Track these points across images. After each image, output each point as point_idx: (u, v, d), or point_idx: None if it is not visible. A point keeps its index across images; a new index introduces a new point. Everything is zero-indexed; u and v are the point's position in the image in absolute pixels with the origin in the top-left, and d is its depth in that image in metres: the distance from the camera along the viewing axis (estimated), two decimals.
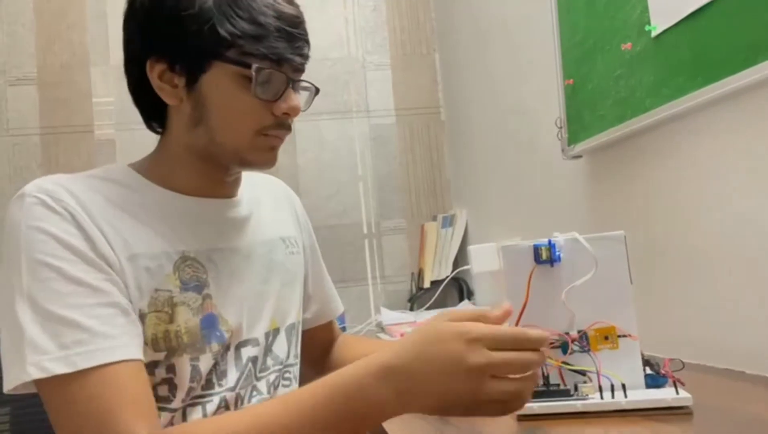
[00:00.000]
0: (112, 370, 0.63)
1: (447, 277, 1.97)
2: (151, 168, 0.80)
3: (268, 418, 0.60)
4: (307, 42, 0.79)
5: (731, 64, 0.80)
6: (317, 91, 0.85)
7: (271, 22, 0.74)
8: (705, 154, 0.92)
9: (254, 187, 0.92)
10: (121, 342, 0.65)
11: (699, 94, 0.86)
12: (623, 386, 0.66)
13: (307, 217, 1.04)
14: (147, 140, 0.84)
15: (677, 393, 0.65)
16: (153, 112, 0.81)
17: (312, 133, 2.15)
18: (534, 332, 0.57)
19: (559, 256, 0.72)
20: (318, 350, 1.05)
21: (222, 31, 0.72)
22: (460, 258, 2.02)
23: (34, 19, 2.03)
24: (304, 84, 0.82)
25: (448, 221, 2.09)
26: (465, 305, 1.92)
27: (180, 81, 0.76)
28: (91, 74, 2.03)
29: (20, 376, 0.62)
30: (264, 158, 0.79)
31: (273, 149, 0.80)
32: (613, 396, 0.66)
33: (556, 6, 1.24)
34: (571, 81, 1.20)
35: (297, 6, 0.79)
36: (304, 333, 0.99)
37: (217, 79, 0.75)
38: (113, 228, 0.71)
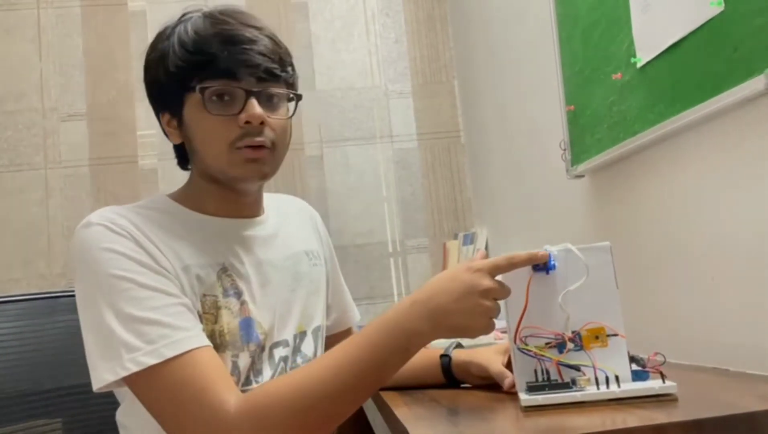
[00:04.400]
0: (194, 355, 0.75)
1: None
2: (184, 196, 0.93)
3: (337, 361, 0.75)
4: (264, 54, 0.85)
5: (702, 93, 0.89)
6: (297, 97, 0.91)
7: (216, 46, 0.83)
8: (684, 172, 1.00)
9: (280, 208, 1.04)
10: (195, 333, 0.78)
11: (677, 119, 0.95)
12: (617, 377, 0.72)
13: (327, 233, 1.14)
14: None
15: (663, 382, 0.72)
16: (180, 154, 0.94)
17: (339, 158, 2.26)
18: (522, 254, 0.75)
19: (554, 265, 0.78)
20: None
21: (172, 68, 0.84)
22: None
23: (83, 60, 2.21)
24: (275, 92, 0.87)
25: (469, 239, 2.17)
26: None
27: (174, 122, 0.89)
28: (135, 109, 2.20)
29: (118, 372, 0.74)
30: (246, 171, 0.86)
31: (252, 162, 0.86)
32: (608, 387, 0.72)
33: (558, 38, 1.34)
34: (572, 107, 1.29)
35: (258, 27, 0.87)
36: (326, 339, 1.09)
37: (190, 110, 0.86)
38: (166, 245, 0.84)
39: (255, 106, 0.84)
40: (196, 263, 0.86)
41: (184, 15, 0.89)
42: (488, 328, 0.75)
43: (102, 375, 0.76)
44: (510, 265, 0.74)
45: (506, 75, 1.86)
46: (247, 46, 0.84)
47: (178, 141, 0.90)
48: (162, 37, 0.89)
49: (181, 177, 0.96)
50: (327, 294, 1.09)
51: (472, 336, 0.76)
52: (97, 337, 0.78)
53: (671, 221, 1.05)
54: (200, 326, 0.81)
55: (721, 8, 0.85)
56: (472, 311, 0.73)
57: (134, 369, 0.74)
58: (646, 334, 1.09)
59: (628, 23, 1.06)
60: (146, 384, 0.75)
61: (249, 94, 0.84)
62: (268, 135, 0.86)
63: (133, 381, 0.75)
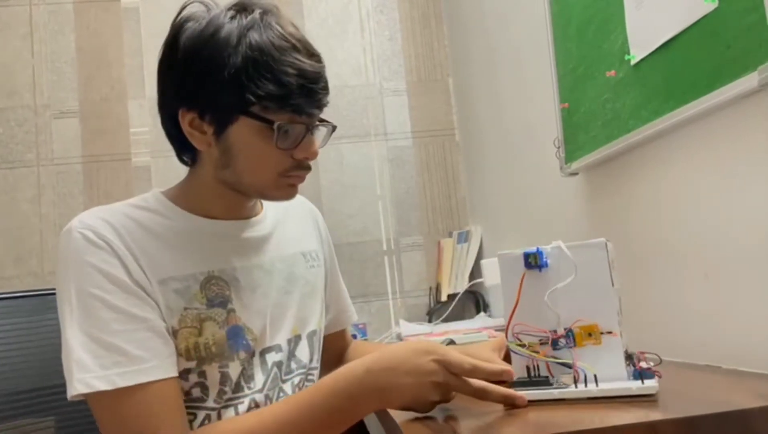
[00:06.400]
0: (145, 388, 0.75)
1: (463, 290, 2.05)
2: (180, 196, 0.90)
3: (280, 415, 0.75)
4: (327, 92, 0.85)
5: (696, 90, 0.89)
6: (334, 128, 0.91)
7: (293, 81, 0.80)
8: (678, 169, 1.00)
9: (278, 206, 1.01)
10: (153, 364, 0.77)
11: (671, 116, 0.95)
12: (595, 376, 0.73)
13: (327, 232, 1.13)
14: (179, 166, 0.94)
15: (642, 382, 0.71)
16: (185, 149, 0.90)
17: (333, 156, 2.26)
18: (487, 368, 0.74)
19: (546, 262, 0.78)
20: (333, 355, 1.14)
21: (248, 94, 0.79)
22: (476, 272, 2.10)
23: (76, 57, 2.19)
24: (323, 124, 0.88)
25: (464, 237, 2.17)
26: (481, 318, 2.00)
27: (209, 129, 0.84)
28: (128, 106, 2.18)
29: (69, 390, 0.75)
30: (284, 194, 0.88)
31: (293, 187, 0.88)
32: (586, 386, 0.73)
33: (552, 35, 1.34)
34: (566, 105, 1.29)
35: (318, 57, 0.85)
36: (325, 338, 1.08)
37: (243, 130, 0.82)
38: (146, 255, 0.82)
39: (314, 144, 0.86)
40: (177, 276, 0.84)
41: (239, 12, 0.83)
42: (428, 410, 0.76)
43: (68, 387, 0.77)
44: (462, 371, 0.73)
45: (501, 73, 1.86)
46: (319, 85, 0.83)
47: (203, 147, 0.86)
48: (218, 37, 0.81)
49: (174, 174, 0.95)
50: (325, 296, 1.08)
51: (408, 409, 0.77)
52: (64, 349, 0.78)
53: (665, 218, 1.05)
54: (166, 353, 0.80)
55: (715, 5, 0.85)
56: (419, 397, 0.73)
57: (82, 390, 0.74)
58: (638, 331, 1.09)
59: (622, 21, 1.06)
60: (95, 406, 0.76)
61: (308, 129, 0.84)
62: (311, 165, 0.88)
63: (87, 398, 0.76)
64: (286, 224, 1.01)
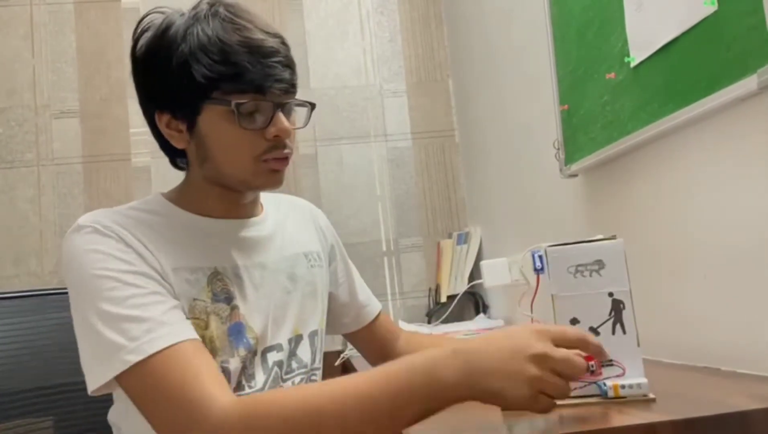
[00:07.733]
0: (177, 349, 0.73)
1: (462, 292, 2.05)
2: (180, 197, 0.91)
3: (350, 390, 0.66)
4: (288, 66, 0.85)
5: (696, 92, 0.90)
6: (313, 106, 0.90)
7: (244, 58, 0.80)
8: (677, 171, 1.01)
9: (279, 208, 1.02)
10: (179, 328, 0.76)
11: (671, 118, 0.95)
12: None
13: (332, 230, 1.12)
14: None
15: None
16: (176, 154, 0.91)
17: (333, 156, 2.25)
18: (594, 340, 0.66)
19: (540, 267, 0.77)
20: (379, 344, 1.12)
21: (199, 78, 0.80)
22: (476, 273, 2.10)
23: (76, 57, 2.19)
24: (297, 102, 0.88)
25: (463, 238, 2.17)
26: (480, 319, 2.00)
27: (183, 126, 0.86)
28: (128, 106, 2.19)
29: (107, 374, 0.73)
30: (268, 181, 0.87)
31: (275, 172, 0.86)
32: None
33: (552, 37, 1.34)
34: (566, 106, 1.30)
35: (274, 34, 0.85)
36: (357, 334, 1.10)
37: (210, 118, 0.83)
38: (156, 247, 0.82)
39: (284, 121, 0.84)
40: (186, 266, 0.84)
41: (190, 10, 0.85)
42: (531, 401, 0.61)
43: (94, 377, 0.75)
44: (579, 342, 0.64)
45: (500, 74, 1.86)
46: (274, 59, 0.83)
47: (182, 145, 0.87)
48: (167, 34, 0.84)
49: (173, 175, 0.95)
50: (341, 293, 1.09)
51: (508, 405, 0.63)
52: (87, 340, 0.77)
53: (664, 219, 1.05)
54: (187, 321, 0.80)
55: (714, 8, 0.85)
56: (512, 376, 0.61)
57: (121, 368, 0.72)
58: (646, 334, 1.09)
59: (622, 23, 1.07)
60: (132, 382, 0.74)
61: (276, 107, 0.84)
62: (289, 145, 0.87)
63: (122, 380, 0.74)
64: (287, 225, 1.01)
